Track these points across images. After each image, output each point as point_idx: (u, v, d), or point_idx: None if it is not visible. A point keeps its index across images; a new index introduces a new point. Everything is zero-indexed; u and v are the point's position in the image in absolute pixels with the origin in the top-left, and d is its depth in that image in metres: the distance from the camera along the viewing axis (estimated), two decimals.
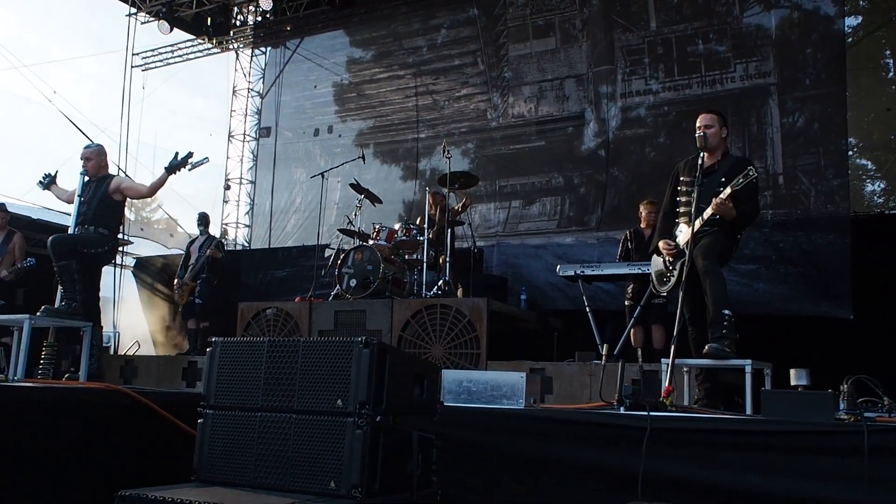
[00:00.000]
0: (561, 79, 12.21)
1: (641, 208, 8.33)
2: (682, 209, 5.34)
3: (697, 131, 5.29)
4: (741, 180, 4.86)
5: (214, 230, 10.98)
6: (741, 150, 10.07)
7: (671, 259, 5.31)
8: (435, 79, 13.53)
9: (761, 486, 3.22)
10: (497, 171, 12.34)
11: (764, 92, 10.46)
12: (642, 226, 8.27)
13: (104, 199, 6.46)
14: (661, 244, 5.39)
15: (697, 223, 5.02)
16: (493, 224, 12.18)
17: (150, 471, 3.73)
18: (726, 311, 4.81)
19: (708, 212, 5.00)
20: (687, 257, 4.98)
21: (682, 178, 5.42)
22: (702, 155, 5.21)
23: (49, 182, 6.86)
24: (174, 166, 6.48)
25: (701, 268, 4.94)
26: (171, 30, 15.10)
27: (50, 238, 6.18)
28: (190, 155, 6.54)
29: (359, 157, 10.13)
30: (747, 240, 8.35)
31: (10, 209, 9.78)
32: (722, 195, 4.93)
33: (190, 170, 6.61)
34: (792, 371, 4.15)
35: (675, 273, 5.21)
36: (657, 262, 5.53)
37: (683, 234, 5.17)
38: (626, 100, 11.51)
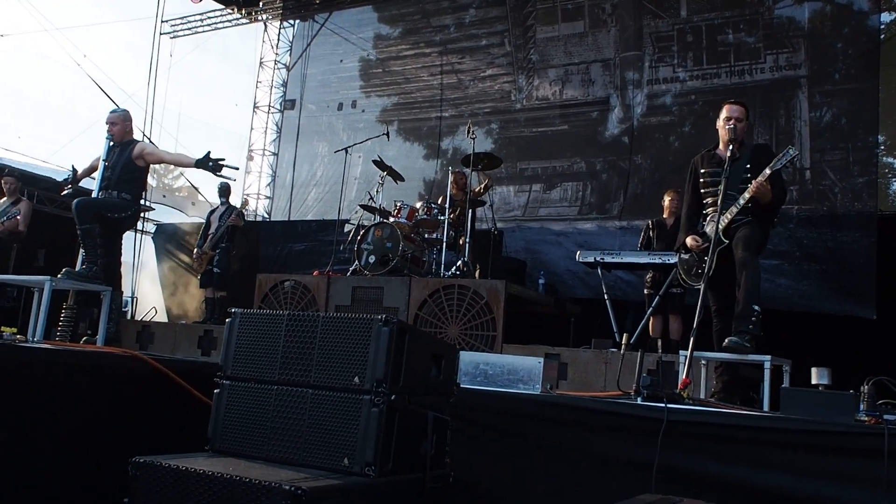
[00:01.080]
0: (587, 63, 12.11)
1: (665, 197, 8.26)
2: (709, 200, 5.26)
3: (726, 123, 5.18)
4: (782, 159, 4.76)
5: (235, 200, 10.98)
6: (769, 142, 9.96)
7: (699, 253, 5.23)
8: (461, 58, 13.47)
9: (777, 484, 3.18)
10: (519, 153, 12.28)
11: (794, 84, 10.33)
12: (665, 215, 8.20)
13: (128, 164, 6.46)
14: (689, 240, 5.29)
15: (734, 210, 4.94)
16: (513, 207, 12.12)
17: (164, 438, 3.74)
18: (756, 307, 4.73)
19: (747, 195, 4.89)
20: (713, 246, 4.90)
21: (702, 171, 5.34)
22: (731, 148, 5.10)
23: (73, 179, 6.84)
24: (202, 164, 6.47)
25: (740, 258, 4.86)
26: None
27: (74, 201, 6.20)
28: (223, 161, 6.52)
29: (383, 134, 10.09)
30: (772, 235, 8.25)
31: (35, 171, 9.79)
32: (761, 178, 4.82)
33: (216, 174, 6.60)
34: (813, 370, 4.10)
35: (707, 265, 5.12)
36: (685, 255, 5.44)
37: (712, 225, 5.08)
38: (653, 87, 11.40)
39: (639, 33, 11.72)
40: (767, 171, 4.80)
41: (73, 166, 6.86)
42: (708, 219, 5.25)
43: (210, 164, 6.45)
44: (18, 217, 8.86)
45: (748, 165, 5.02)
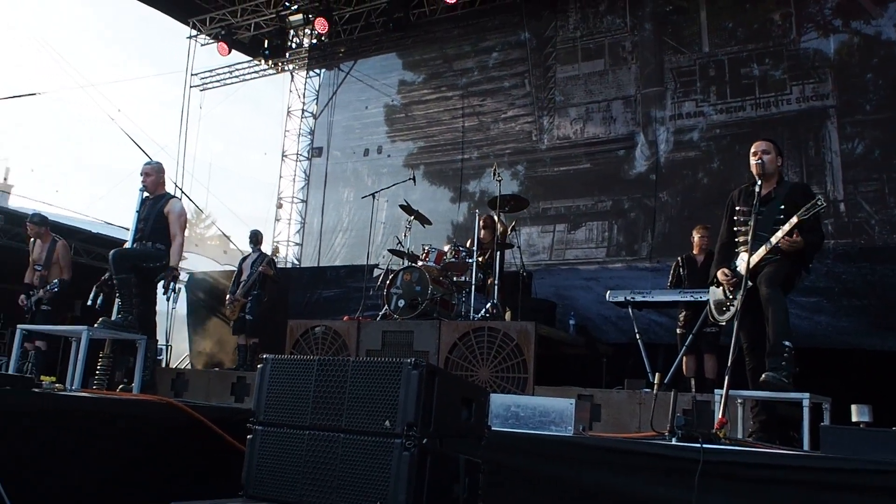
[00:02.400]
0: (609, 100, 12.20)
1: (694, 234, 8.22)
2: (740, 238, 5.23)
3: (753, 158, 5.17)
4: (810, 209, 4.69)
5: (266, 248, 11.09)
6: (798, 174, 9.88)
7: (731, 288, 5.18)
8: (482, 100, 13.64)
9: None
10: (542, 192, 12.31)
11: (822, 115, 10.29)
12: (695, 252, 8.15)
13: (160, 216, 6.59)
14: (719, 274, 5.26)
15: (762, 251, 4.91)
16: (538, 249, 12.11)
17: (199, 484, 3.76)
18: (787, 343, 4.67)
19: (773, 241, 4.84)
20: (743, 286, 4.86)
21: (738, 208, 5.32)
22: (758, 182, 5.09)
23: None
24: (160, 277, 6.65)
25: (764, 295, 4.81)
26: (230, 51, 15.44)
27: (111, 252, 6.33)
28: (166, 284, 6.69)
29: (409, 179, 10.17)
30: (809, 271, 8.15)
31: (70, 222, 9.93)
32: (784, 228, 4.79)
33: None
34: (853, 407, 4.03)
35: (735, 302, 5.07)
36: (716, 292, 5.39)
37: (743, 263, 5.04)
38: (677, 122, 11.43)
39: (660, 69, 11.79)
40: (795, 219, 4.75)
41: (109, 274, 6.94)
42: (739, 256, 5.21)
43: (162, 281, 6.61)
44: (60, 263, 8.96)
45: (782, 206, 4.98)
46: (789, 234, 4.78)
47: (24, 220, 11.82)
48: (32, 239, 9.23)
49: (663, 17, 12.01)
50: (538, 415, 4.09)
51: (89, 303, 6.85)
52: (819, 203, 4.69)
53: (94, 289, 6.83)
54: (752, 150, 5.23)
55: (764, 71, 10.86)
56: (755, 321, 4.93)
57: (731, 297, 5.18)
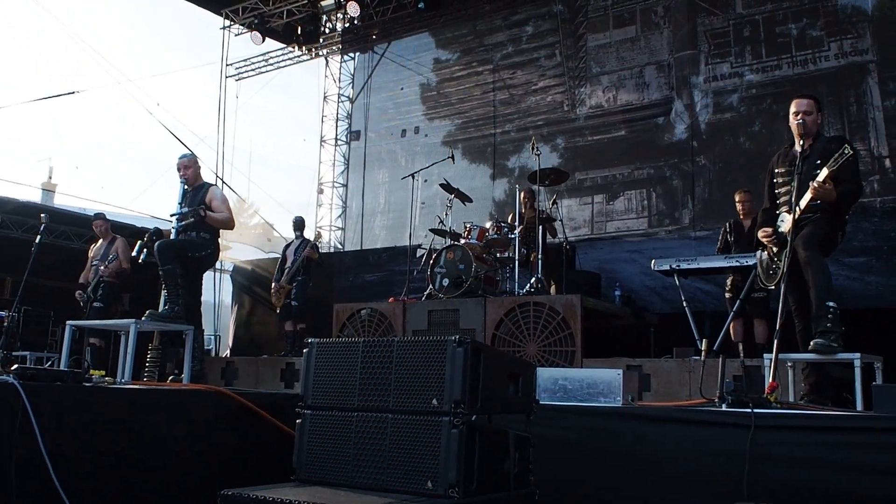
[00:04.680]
0: (641, 66, 12.04)
1: (736, 198, 8.09)
2: (782, 199, 5.13)
3: (794, 118, 5.04)
4: (838, 159, 4.58)
5: (309, 233, 11.16)
6: (839, 131, 9.67)
7: (775, 249, 5.09)
8: (512, 73, 13.55)
9: (874, 486, 3.06)
10: (577, 163, 12.20)
11: (862, 70, 10.06)
12: (741, 217, 8.02)
13: (202, 206, 6.64)
14: (760, 234, 5.18)
15: (797, 210, 4.80)
16: (579, 223, 12.03)
17: (251, 470, 3.81)
18: (831, 304, 4.58)
19: (807, 196, 4.76)
20: (789, 248, 4.76)
21: (777, 170, 5.22)
22: (801, 143, 4.97)
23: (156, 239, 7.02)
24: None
25: (803, 258, 4.72)
26: (263, 40, 15.52)
27: (156, 244, 6.40)
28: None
29: (448, 157, 10.14)
30: (856, 231, 7.96)
31: (116, 218, 10.15)
32: (819, 178, 4.69)
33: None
34: None
35: (781, 265, 4.97)
36: (763, 256, 5.30)
37: (786, 223, 4.95)
38: (712, 84, 11.26)
39: (693, 32, 11.61)
40: (825, 171, 4.63)
41: (156, 228, 7.07)
42: (780, 217, 5.12)
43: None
44: (120, 256, 9.21)
45: (818, 161, 4.86)
46: (821, 180, 4.67)
47: (69, 218, 12.13)
48: (99, 238, 9.50)
49: None
50: (586, 387, 4.07)
51: (134, 253, 6.98)
52: (846, 152, 4.58)
53: (138, 243, 6.93)
54: (793, 108, 5.09)
55: (800, 29, 10.62)
56: (801, 283, 4.84)
57: (776, 260, 5.09)
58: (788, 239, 4.79)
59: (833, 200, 4.77)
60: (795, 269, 4.78)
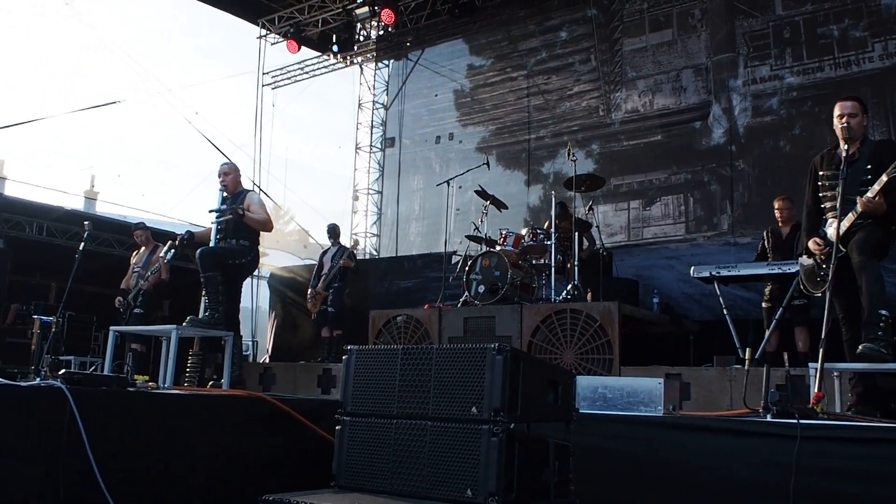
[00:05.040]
0: (678, 70, 11.94)
1: (776, 204, 7.98)
2: (827, 204, 5.02)
3: (839, 121, 4.93)
4: (891, 173, 4.48)
5: (344, 240, 11.22)
6: (885, 134, 9.50)
7: (823, 258, 4.99)
8: (547, 78, 13.51)
9: None
10: (612, 168, 12.12)
11: None
12: (779, 224, 7.92)
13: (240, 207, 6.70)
14: (810, 244, 5.06)
15: (851, 215, 4.70)
16: (615, 229, 11.95)
17: (290, 476, 3.83)
18: (883, 312, 4.46)
19: (859, 208, 4.64)
20: (834, 253, 4.67)
21: (821, 173, 5.11)
22: (846, 147, 4.86)
23: (189, 242, 7.09)
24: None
25: (856, 264, 4.61)
26: (299, 48, 15.62)
27: (197, 251, 6.47)
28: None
29: (483, 164, 10.13)
30: None
31: (156, 225, 10.26)
32: (868, 194, 4.59)
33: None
34: None
35: (828, 271, 4.86)
36: (807, 262, 5.19)
37: (832, 229, 4.84)
38: (751, 87, 11.12)
39: (731, 34, 11.50)
40: (884, 178, 4.52)
41: (188, 231, 7.13)
42: (828, 223, 5.02)
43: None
44: (162, 266, 9.28)
45: (868, 167, 4.75)
46: (872, 196, 4.57)
47: (111, 225, 12.30)
48: (141, 247, 9.60)
49: None
50: (626, 395, 4.03)
51: (161, 253, 7.07)
52: None
53: (167, 243, 7.02)
54: (837, 111, 4.98)
55: (842, 29, 10.46)
56: (849, 290, 4.73)
57: (823, 266, 4.98)
58: (835, 244, 4.70)
59: (883, 213, 4.67)
60: (843, 275, 4.69)
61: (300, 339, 13.16)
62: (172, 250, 6.93)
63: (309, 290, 10.75)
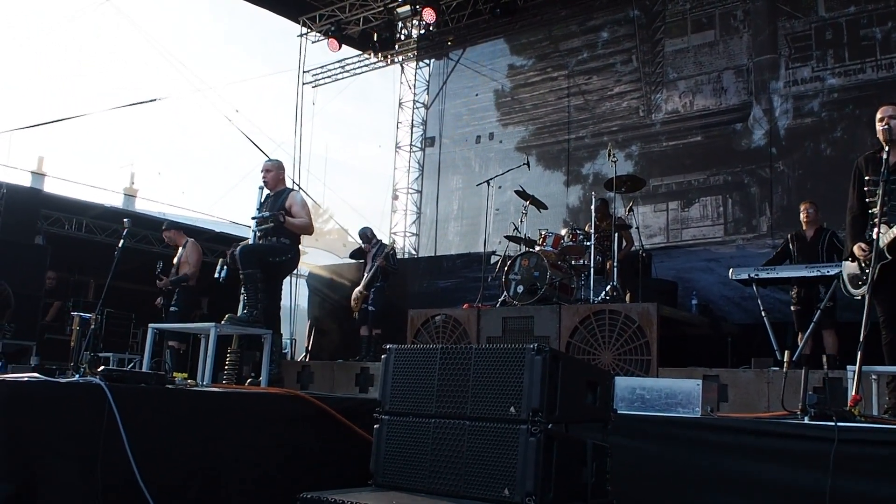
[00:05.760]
0: (719, 71, 11.86)
1: (801, 207, 8.00)
2: (875, 210, 4.95)
3: (880, 123, 4.89)
4: None
5: (381, 237, 11.27)
6: None
7: (866, 262, 4.92)
8: (587, 79, 13.46)
9: None
10: (651, 170, 12.04)
11: None
12: (804, 227, 7.90)
13: (283, 211, 6.73)
14: (856, 249, 4.99)
15: (888, 236, 4.64)
16: (654, 231, 11.87)
17: (328, 474, 3.86)
18: None
19: None
20: (874, 257, 4.61)
21: (867, 178, 5.04)
22: (886, 149, 4.82)
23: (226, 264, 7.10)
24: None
25: None
26: (340, 47, 15.71)
27: (238, 248, 6.51)
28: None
29: (523, 164, 10.12)
30: None
31: (195, 222, 10.33)
32: None
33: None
34: None
35: (870, 273, 4.80)
36: (849, 266, 5.13)
37: (882, 236, 4.77)
38: (792, 88, 11.01)
39: (773, 36, 11.38)
40: None
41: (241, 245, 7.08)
42: (873, 228, 4.94)
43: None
44: (185, 260, 9.38)
45: None
46: None
47: (150, 223, 12.49)
48: (180, 247, 9.69)
49: None
50: (664, 397, 4.02)
51: (216, 275, 7.08)
52: None
53: (219, 262, 7.03)
54: (879, 115, 4.94)
55: (885, 32, 10.31)
56: (892, 294, 4.69)
57: (866, 270, 4.92)
58: (874, 251, 4.64)
59: None
60: (886, 279, 4.63)
61: (339, 338, 13.25)
62: (225, 267, 6.96)
63: (354, 291, 10.82)
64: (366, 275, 10.58)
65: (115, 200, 21.34)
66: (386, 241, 11.37)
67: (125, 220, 7.60)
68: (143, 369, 6.16)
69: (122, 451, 3.21)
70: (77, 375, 3.92)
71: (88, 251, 12.33)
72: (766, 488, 3.40)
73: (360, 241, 11.10)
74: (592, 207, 8.58)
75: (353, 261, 11.63)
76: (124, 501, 3.24)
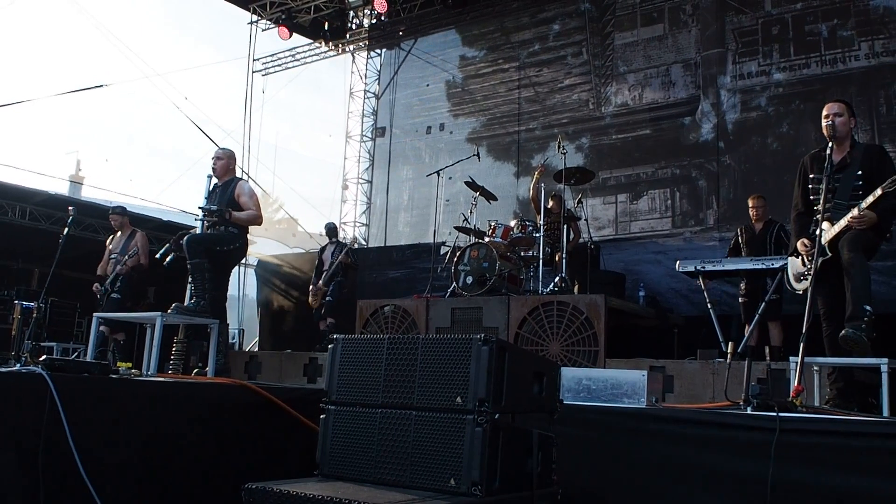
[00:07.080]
0: (668, 65, 12.00)
1: (750, 202, 8.19)
2: (818, 207, 5.05)
3: (825, 120, 5.00)
4: (890, 186, 4.47)
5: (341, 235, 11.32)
6: (868, 133, 9.58)
7: (810, 258, 5.02)
8: (538, 71, 13.54)
9: None
10: (601, 162, 12.15)
11: (893, 71, 9.99)
12: (753, 221, 8.09)
13: (231, 202, 6.66)
14: (798, 245, 5.11)
15: (844, 222, 4.73)
16: (603, 223, 11.98)
17: (274, 464, 3.84)
18: (868, 307, 4.51)
19: (842, 223, 4.70)
20: (816, 253, 4.71)
21: (811, 175, 5.14)
22: (830, 146, 4.93)
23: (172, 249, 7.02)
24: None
25: (847, 259, 4.65)
26: (291, 35, 15.56)
27: (185, 237, 6.43)
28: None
29: (473, 155, 10.14)
30: None
31: (144, 211, 10.17)
32: (862, 204, 4.62)
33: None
34: None
35: (812, 267, 4.91)
36: (794, 262, 5.23)
37: (824, 233, 4.86)
38: (739, 83, 11.21)
39: (721, 30, 11.57)
40: (879, 191, 4.55)
41: (185, 231, 7.04)
42: (817, 225, 5.05)
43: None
44: (140, 251, 9.20)
45: (859, 172, 4.82)
46: (865, 207, 4.61)
47: (96, 211, 12.23)
48: (117, 231, 9.49)
49: None
50: (610, 387, 4.05)
51: (158, 256, 6.97)
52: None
53: (165, 246, 6.92)
54: (824, 112, 5.05)
55: (830, 28, 10.53)
56: (832, 288, 4.80)
57: (809, 266, 5.03)
58: (825, 248, 4.75)
59: (874, 222, 4.70)
60: (828, 274, 4.75)
61: (290, 327, 13.17)
62: (172, 254, 6.87)
63: (311, 287, 10.78)
64: (326, 270, 10.56)
65: (61, 188, 20.87)
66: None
67: (70, 208, 7.44)
68: (88, 359, 6.05)
69: (65, 443, 3.16)
70: (18, 365, 3.83)
71: (32, 239, 12.04)
72: (710, 477, 3.45)
73: (327, 236, 11.13)
74: (541, 197, 8.61)
75: (303, 250, 11.61)
76: (66, 493, 3.20)
